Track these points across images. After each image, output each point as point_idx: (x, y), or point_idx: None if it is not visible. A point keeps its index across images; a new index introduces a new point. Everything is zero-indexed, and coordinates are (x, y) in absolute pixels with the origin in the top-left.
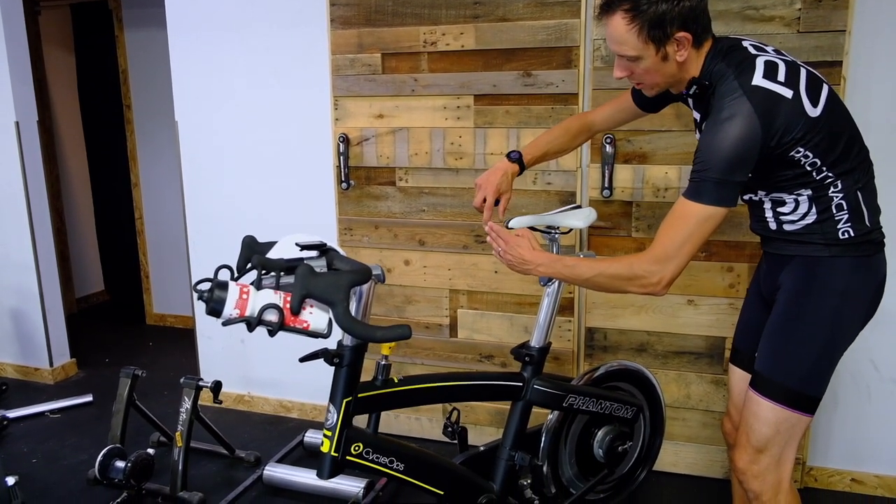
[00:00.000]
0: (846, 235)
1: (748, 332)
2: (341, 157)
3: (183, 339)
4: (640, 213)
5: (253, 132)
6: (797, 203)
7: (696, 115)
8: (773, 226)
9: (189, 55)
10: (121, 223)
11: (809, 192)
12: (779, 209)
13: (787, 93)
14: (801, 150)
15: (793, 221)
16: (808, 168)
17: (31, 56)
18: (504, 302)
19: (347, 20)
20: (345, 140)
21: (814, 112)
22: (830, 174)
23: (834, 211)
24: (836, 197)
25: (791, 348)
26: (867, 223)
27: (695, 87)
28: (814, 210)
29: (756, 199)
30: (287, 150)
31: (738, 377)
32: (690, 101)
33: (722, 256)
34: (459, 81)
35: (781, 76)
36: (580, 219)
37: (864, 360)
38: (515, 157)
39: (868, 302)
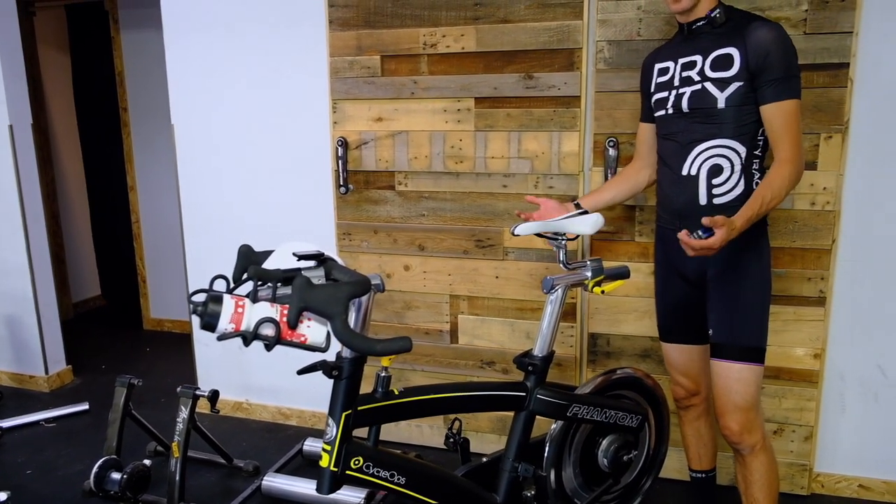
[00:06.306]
0: None
1: (685, 313)
2: (340, 161)
3: (180, 344)
4: (644, 218)
5: (250, 135)
6: (732, 169)
7: (695, 58)
8: (703, 200)
9: (186, 57)
10: (117, 227)
11: (745, 149)
12: (714, 180)
13: None
14: None
15: (723, 194)
16: None
17: (26, 58)
18: (505, 307)
19: (346, 22)
20: (343, 144)
21: None
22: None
23: (754, 186)
24: (756, 165)
25: (742, 315)
26: None
27: (718, 10)
28: (742, 182)
29: (694, 173)
30: (285, 153)
31: (679, 350)
32: (690, 43)
33: None
34: (460, 84)
35: None
36: (587, 225)
37: (871, 365)
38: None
39: (770, 255)
